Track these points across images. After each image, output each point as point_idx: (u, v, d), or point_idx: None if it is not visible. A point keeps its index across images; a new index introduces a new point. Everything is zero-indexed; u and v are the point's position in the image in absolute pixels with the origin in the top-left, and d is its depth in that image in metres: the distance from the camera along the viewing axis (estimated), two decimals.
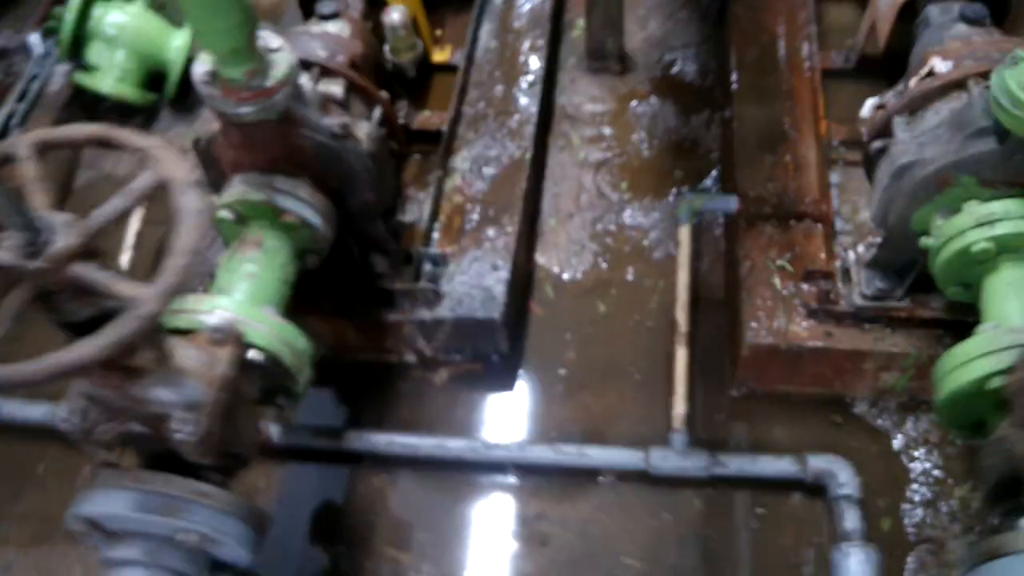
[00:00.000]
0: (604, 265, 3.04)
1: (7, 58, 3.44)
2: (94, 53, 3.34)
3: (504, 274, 2.73)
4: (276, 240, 2.26)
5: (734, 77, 3.15)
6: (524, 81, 3.22)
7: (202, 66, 2.07)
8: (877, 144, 2.36)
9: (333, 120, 2.26)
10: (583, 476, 2.60)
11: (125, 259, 3.08)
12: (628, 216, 3.13)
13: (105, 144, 1.54)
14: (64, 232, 1.40)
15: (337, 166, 2.30)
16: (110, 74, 3.34)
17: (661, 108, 3.41)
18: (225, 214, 2.24)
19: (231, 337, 1.84)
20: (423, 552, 2.52)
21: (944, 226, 2.12)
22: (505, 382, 2.82)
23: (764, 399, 2.67)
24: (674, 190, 3.16)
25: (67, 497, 2.67)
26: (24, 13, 3.83)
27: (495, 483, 2.63)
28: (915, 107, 2.30)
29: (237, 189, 2.23)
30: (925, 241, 2.19)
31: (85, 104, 3.44)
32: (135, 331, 1.33)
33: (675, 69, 3.52)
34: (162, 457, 1.85)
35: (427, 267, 2.74)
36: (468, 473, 2.63)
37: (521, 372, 2.84)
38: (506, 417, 2.76)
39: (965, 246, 2.09)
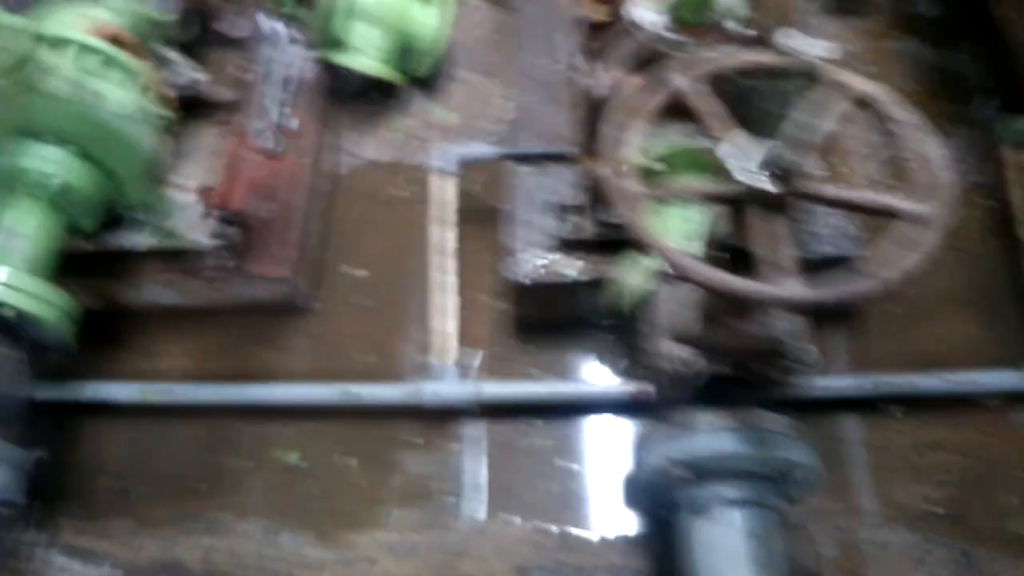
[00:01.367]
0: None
1: (249, 45, 3.33)
2: (347, 31, 3.25)
3: None
4: None
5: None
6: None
7: (650, 15, 2.05)
8: None
9: None
10: (965, 401, 2.64)
11: None
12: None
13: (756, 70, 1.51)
14: (790, 155, 1.39)
15: None
16: (368, 54, 3.26)
17: (913, 45, 3.46)
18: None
19: None
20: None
21: None
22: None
23: None
24: (950, 120, 3.22)
25: (438, 470, 2.64)
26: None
27: (879, 414, 2.66)
28: None
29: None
30: None
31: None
32: (934, 246, 1.33)
33: (914, 8, 3.57)
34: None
35: None
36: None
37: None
38: (866, 354, 2.78)
39: None
